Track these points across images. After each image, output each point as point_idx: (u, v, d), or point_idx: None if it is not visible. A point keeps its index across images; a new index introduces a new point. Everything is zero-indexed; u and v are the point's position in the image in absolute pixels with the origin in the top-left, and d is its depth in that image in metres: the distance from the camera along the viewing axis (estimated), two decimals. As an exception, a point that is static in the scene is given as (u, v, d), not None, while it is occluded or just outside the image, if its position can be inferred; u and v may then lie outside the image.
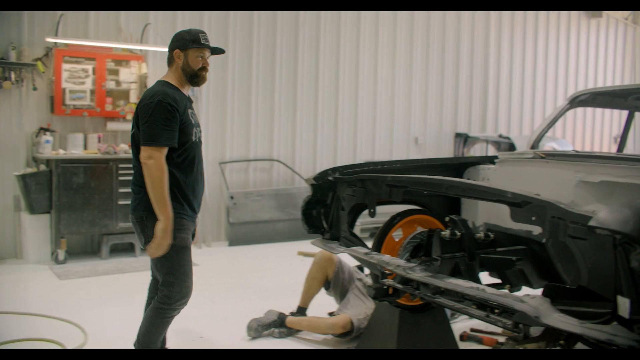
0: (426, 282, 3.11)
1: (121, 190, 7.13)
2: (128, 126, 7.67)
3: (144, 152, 3.39)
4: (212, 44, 3.70)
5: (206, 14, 8.27)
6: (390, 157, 9.94)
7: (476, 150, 10.79)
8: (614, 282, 2.41)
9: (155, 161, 3.36)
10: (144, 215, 3.48)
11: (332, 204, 3.96)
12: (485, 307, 2.96)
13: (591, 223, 2.31)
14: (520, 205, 2.79)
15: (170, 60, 3.64)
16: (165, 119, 3.39)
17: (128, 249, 7.61)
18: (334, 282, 4.88)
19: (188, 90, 3.71)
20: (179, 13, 8.05)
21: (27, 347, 4.28)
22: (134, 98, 7.62)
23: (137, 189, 3.53)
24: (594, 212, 2.41)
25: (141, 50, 7.76)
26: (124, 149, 7.39)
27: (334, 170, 3.94)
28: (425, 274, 3.18)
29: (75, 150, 7.23)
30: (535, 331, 2.91)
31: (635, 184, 3.60)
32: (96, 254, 7.47)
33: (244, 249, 8.17)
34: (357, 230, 8.27)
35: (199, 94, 8.16)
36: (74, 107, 7.29)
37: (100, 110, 7.45)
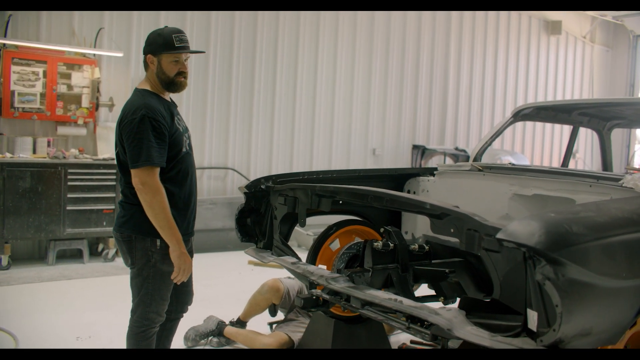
0: (345, 293, 3.08)
1: (70, 195, 7.03)
2: (79, 131, 7.58)
3: (135, 176, 3.06)
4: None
5: (162, 14, 8.18)
6: (347, 167, 9.89)
7: (434, 163, 10.81)
8: (524, 295, 2.41)
9: (149, 186, 3.05)
10: (132, 236, 3.21)
11: (265, 213, 3.94)
12: (413, 319, 2.94)
13: (499, 235, 2.30)
14: (439, 217, 2.79)
15: (145, 65, 3.29)
16: (152, 137, 3.06)
17: (76, 255, 7.47)
18: (281, 306, 4.81)
19: (168, 96, 3.36)
20: (135, 16, 7.95)
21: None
22: (86, 103, 7.50)
23: (127, 206, 3.24)
24: (503, 225, 2.41)
25: (94, 55, 7.63)
26: (74, 153, 7.28)
27: (267, 179, 3.93)
28: (347, 284, 3.16)
29: (24, 154, 7.10)
30: (455, 343, 2.91)
31: (565, 198, 3.66)
32: (43, 260, 7.33)
33: (195, 257, 7.96)
34: (305, 239, 8.27)
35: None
36: (23, 110, 7.15)
37: (50, 114, 7.32)
